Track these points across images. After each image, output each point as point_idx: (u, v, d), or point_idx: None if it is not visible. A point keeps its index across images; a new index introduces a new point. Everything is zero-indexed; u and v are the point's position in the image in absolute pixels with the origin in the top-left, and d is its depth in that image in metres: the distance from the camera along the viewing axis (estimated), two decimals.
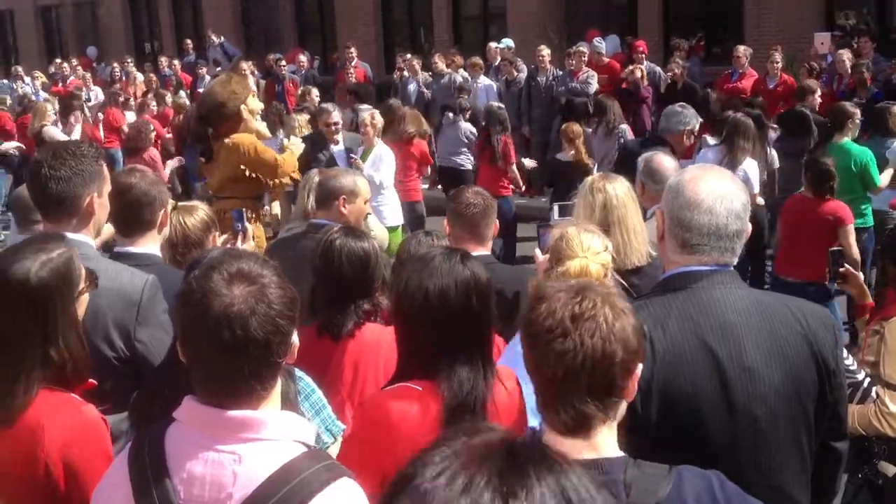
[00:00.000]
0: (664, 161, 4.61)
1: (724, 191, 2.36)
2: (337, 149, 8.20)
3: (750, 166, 6.91)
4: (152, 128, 10.89)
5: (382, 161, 7.96)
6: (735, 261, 2.42)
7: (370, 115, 8.30)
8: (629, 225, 3.75)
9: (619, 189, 3.81)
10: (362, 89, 12.25)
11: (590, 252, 2.98)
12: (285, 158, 5.94)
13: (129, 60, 19.74)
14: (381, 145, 8.15)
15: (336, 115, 8.32)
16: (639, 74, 11.90)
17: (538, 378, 1.87)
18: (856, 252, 6.19)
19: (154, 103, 13.29)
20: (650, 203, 4.13)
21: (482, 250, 3.92)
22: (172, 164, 10.17)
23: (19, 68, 21.24)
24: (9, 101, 16.35)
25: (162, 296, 3.04)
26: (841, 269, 4.15)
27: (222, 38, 19.76)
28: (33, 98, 15.73)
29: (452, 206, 4.04)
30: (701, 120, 6.63)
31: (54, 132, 11.35)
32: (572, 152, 8.91)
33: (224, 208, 5.51)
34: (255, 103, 5.83)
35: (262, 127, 5.93)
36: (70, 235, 2.91)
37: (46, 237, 2.60)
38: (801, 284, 6.12)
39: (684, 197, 2.37)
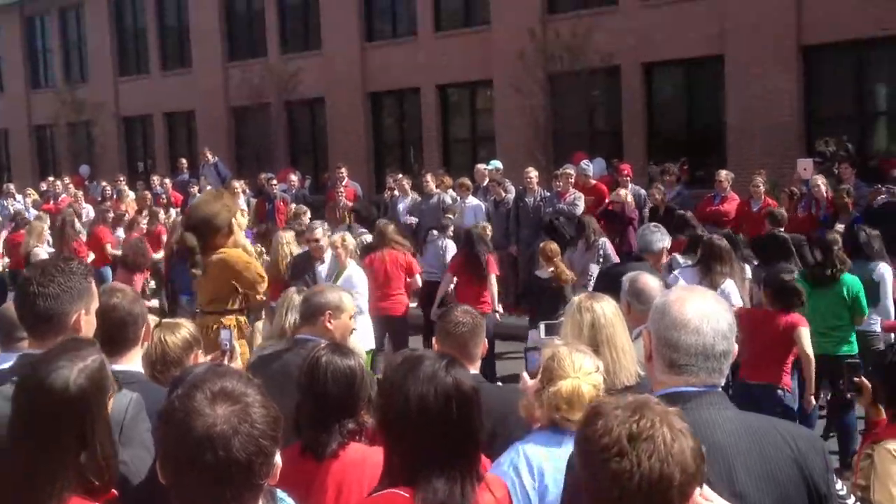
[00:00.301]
0: (649, 281, 4.66)
1: (709, 311, 2.38)
2: (321, 267, 8.22)
3: (729, 285, 7.01)
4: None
5: (353, 284, 7.66)
6: (722, 381, 2.42)
7: (341, 237, 8.29)
8: (618, 344, 3.75)
9: (607, 308, 3.83)
10: (363, 208, 12.41)
11: (581, 372, 2.98)
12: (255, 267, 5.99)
13: (121, 178, 20.01)
14: (352, 266, 8.07)
15: (319, 233, 8.38)
16: (624, 196, 12.12)
17: (591, 497, 1.82)
18: (811, 352, 6.38)
19: (145, 221, 13.38)
20: (635, 323, 4.15)
21: (471, 369, 3.83)
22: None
23: (11, 186, 21.48)
24: None
25: (145, 414, 3.00)
26: (856, 380, 4.15)
27: (217, 157, 20.10)
28: (25, 215, 15.83)
29: (441, 324, 4.04)
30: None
31: (42, 253, 11.39)
32: (551, 269, 8.99)
33: (210, 324, 5.49)
34: (242, 219, 5.93)
35: (247, 242, 6.00)
36: None
37: (77, 342, 2.60)
38: (765, 387, 6.30)
39: (671, 317, 2.38)
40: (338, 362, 3.28)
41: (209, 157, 19.63)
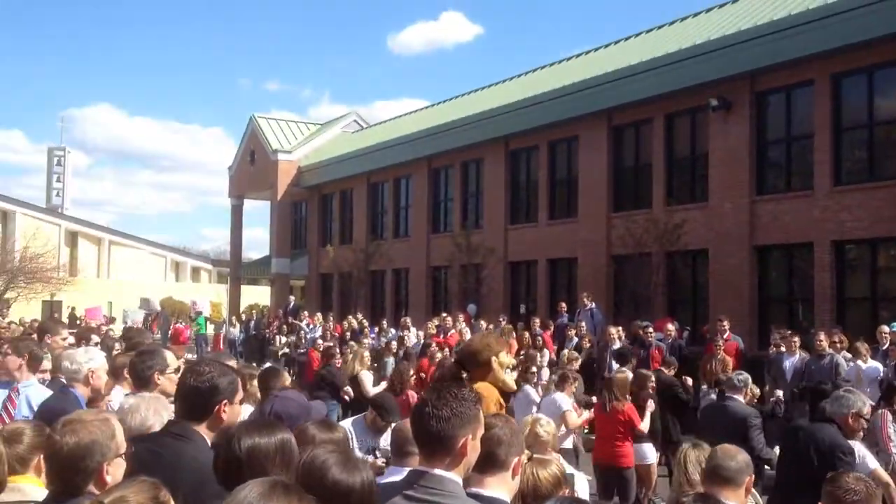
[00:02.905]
0: None
1: None
2: None
3: None
4: None
5: None
6: None
7: None
8: None
9: None
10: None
11: None
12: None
13: (502, 318, 21.21)
14: None
15: None
16: None
17: None
18: None
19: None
20: None
21: None
22: None
23: (408, 319, 23.50)
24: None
25: None
26: None
27: (594, 303, 20.47)
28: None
29: (830, 488, 3.84)
30: None
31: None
32: None
33: None
34: (507, 359, 6.14)
35: (510, 379, 6.31)
36: (441, 472, 3.06)
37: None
38: None
39: None
40: None
41: (587, 302, 20.06)
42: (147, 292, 58.02)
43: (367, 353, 15.35)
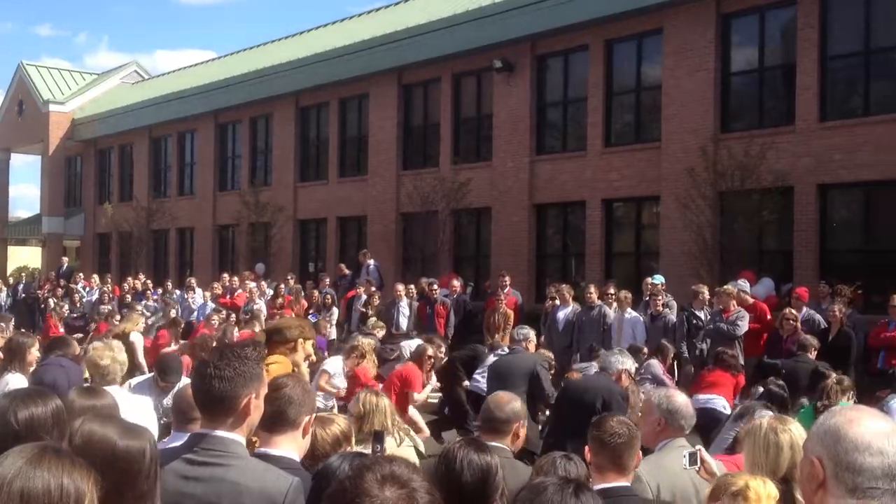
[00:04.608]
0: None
1: (888, 429, 2.27)
2: None
3: None
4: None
5: None
6: None
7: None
8: None
9: (797, 432, 3.83)
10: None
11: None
12: None
13: (290, 276, 21.17)
14: None
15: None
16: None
17: None
18: None
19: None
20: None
21: (623, 481, 3.93)
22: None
23: (193, 280, 22.92)
24: (174, 313, 17.62)
25: (303, 499, 3.05)
26: None
27: (372, 260, 20.78)
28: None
29: (596, 433, 4.03)
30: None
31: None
32: None
33: None
34: (310, 349, 6.16)
35: (305, 370, 6.13)
36: (224, 434, 3.06)
37: None
38: None
39: (850, 440, 2.26)
40: (474, 457, 3.33)
41: (366, 259, 20.38)
42: None
43: (138, 315, 14.72)
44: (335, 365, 10.68)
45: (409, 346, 12.27)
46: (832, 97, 16.01)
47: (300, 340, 5.74)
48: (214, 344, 11.01)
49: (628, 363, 7.55)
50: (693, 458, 4.20)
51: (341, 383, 10.48)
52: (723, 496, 3.10)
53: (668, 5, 17.69)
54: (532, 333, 9.89)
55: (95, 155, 37.35)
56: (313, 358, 6.72)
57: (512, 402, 4.67)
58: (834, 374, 8.15)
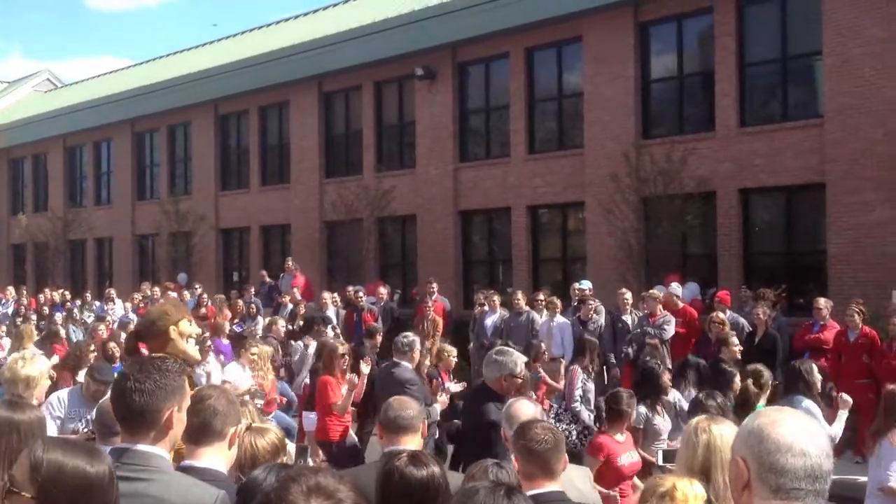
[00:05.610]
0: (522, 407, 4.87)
1: (811, 430, 2.29)
2: None
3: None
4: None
5: None
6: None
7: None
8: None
9: (725, 432, 3.77)
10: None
11: None
12: None
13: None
14: None
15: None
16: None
17: None
18: None
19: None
20: None
21: (553, 486, 3.93)
22: None
23: (112, 291, 22.36)
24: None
25: None
26: None
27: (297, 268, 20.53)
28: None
29: (522, 442, 4.00)
30: None
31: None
32: None
33: None
34: (188, 327, 5.60)
35: (193, 350, 5.68)
36: (145, 448, 2.96)
37: None
38: None
39: (773, 441, 2.28)
40: (413, 472, 3.31)
41: (291, 267, 20.13)
42: None
43: (32, 328, 14.12)
44: (235, 373, 10.47)
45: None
46: (751, 103, 16.42)
47: (171, 328, 5.44)
48: (93, 349, 10.68)
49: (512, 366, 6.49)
50: (666, 456, 4.23)
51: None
52: (651, 497, 3.13)
53: (587, 13, 17.93)
54: (417, 341, 9.05)
55: (7, 164, 36.21)
56: (198, 331, 6.30)
57: (411, 401, 4.79)
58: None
